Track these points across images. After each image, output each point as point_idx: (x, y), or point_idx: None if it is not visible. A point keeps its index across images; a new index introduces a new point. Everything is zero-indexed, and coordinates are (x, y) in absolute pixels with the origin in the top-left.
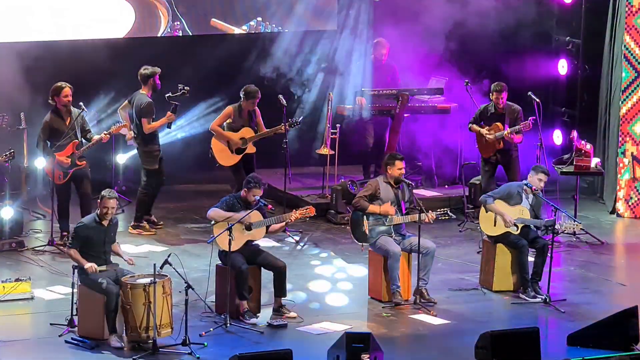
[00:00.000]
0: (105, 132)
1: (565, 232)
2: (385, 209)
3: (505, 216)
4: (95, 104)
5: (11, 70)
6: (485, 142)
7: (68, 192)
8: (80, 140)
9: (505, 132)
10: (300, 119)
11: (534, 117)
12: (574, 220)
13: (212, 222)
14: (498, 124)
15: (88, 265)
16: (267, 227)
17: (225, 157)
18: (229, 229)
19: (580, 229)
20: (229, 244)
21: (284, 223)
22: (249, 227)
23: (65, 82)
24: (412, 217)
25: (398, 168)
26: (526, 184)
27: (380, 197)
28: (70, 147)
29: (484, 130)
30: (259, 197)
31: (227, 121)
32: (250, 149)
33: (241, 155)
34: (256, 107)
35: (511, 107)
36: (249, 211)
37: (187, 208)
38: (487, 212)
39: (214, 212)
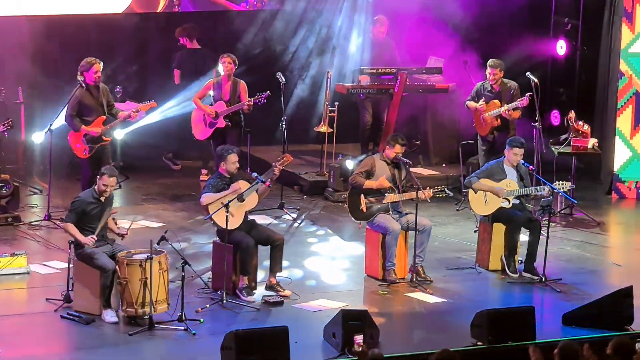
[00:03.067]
0: (133, 110)
1: (560, 190)
2: (380, 183)
3: (494, 189)
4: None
5: (8, 44)
6: (483, 120)
7: (93, 167)
8: (107, 116)
9: (503, 109)
10: (266, 94)
11: (530, 93)
12: (558, 190)
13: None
14: (495, 101)
15: (85, 240)
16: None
17: (199, 130)
18: (226, 206)
19: (570, 186)
20: (226, 220)
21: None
22: (241, 198)
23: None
24: (409, 195)
25: (395, 151)
26: (523, 163)
27: (376, 174)
28: (97, 122)
29: (481, 107)
30: (255, 173)
31: (208, 93)
32: (220, 123)
33: (213, 129)
34: (241, 82)
35: (507, 84)
36: (250, 187)
37: (184, 184)
38: (475, 192)
39: (206, 198)
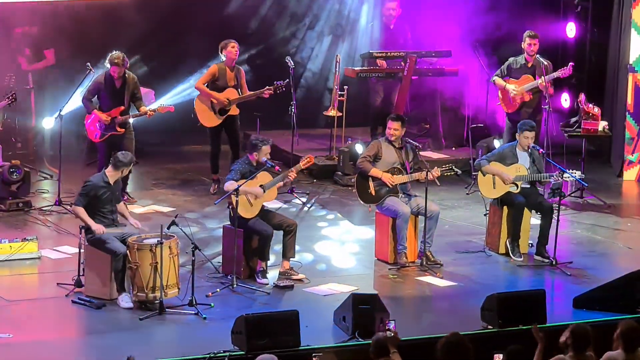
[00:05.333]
0: (150, 110)
1: (568, 179)
2: (386, 178)
3: (502, 175)
4: (100, 65)
5: (18, 30)
6: (512, 97)
7: (108, 152)
8: (126, 107)
9: (540, 80)
10: (286, 82)
11: (572, 63)
12: (572, 175)
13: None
14: (528, 76)
15: (96, 227)
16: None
17: (208, 118)
18: (236, 190)
19: (580, 174)
20: (236, 205)
21: (290, 177)
22: (263, 189)
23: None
24: (418, 175)
25: (388, 127)
26: (534, 146)
27: (383, 157)
28: (115, 111)
29: (510, 86)
30: (267, 158)
31: (212, 80)
32: (234, 110)
33: (224, 117)
34: (241, 68)
35: (541, 60)
36: (255, 174)
37: (194, 169)
38: (484, 175)
39: (230, 185)
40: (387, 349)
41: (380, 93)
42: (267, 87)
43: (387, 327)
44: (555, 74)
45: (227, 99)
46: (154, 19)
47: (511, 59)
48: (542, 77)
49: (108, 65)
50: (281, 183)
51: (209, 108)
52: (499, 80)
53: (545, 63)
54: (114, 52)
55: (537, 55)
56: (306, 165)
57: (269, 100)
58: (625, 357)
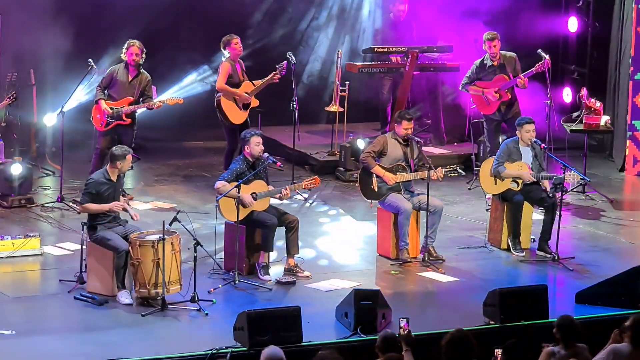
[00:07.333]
0: (159, 101)
1: (568, 180)
2: (387, 178)
3: (523, 175)
4: (105, 60)
5: (20, 27)
6: (487, 99)
7: (108, 144)
8: (135, 99)
9: (519, 79)
10: (284, 63)
11: (548, 55)
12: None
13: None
14: (503, 76)
15: (112, 204)
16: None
17: (236, 115)
18: (238, 186)
19: (580, 178)
20: (237, 212)
21: (288, 193)
22: (254, 198)
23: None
24: (421, 174)
25: (404, 128)
26: (535, 141)
27: (388, 153)
28: (123, 102)
29: (487, 90)
30: (266, 154)
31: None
32: (254, 102)
33: (249, 110)
34: (240, 60)
35: (506, 55)
36: (249, 176)
37: (196, 165)
38: (502, 180)
39: (220, 186)
40: (394, 346)
41: (389, 88)
42: (273, 72)
43: (400, 325)
44: (534, 69)
45: (247, 92)
46: (155, 15)
47: (477, 62)
48: (519, 75)
49: (124, 56)
50: (277, 196)
51: (234, 105)
52: (474, 88)
53: (514, 58)
54: (131, 40)
55: (502, 52)
56: (309, 186)
57: (270, 95)
58: (632, 350)
